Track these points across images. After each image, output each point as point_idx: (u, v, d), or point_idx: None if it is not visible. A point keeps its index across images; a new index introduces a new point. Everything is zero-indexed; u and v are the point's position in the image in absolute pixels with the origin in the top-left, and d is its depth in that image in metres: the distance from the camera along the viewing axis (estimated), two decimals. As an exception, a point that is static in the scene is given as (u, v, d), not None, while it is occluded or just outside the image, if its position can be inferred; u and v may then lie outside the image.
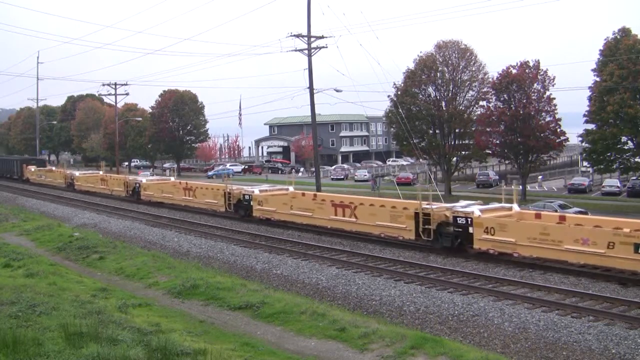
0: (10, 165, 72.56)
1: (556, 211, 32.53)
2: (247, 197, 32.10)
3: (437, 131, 51.71)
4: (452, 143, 51.69)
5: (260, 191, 31.93)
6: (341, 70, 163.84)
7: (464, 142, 52.28)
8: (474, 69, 50.31)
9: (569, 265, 19.52)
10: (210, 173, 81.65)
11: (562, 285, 17.95)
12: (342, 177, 77.35)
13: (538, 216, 21.61)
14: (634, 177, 52.67)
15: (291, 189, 32.14)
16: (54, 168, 66.21)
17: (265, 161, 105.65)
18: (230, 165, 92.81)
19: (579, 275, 18.88)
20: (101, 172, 55.02)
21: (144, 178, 48.11)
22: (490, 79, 48.89)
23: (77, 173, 55.39)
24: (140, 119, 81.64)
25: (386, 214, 24.35)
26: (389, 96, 52.02)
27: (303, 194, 29.94)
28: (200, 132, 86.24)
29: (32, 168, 64.78)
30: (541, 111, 45.77)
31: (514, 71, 46.08)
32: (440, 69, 50.58)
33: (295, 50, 40.43)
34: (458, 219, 21.77)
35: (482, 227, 20.89)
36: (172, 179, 45.91)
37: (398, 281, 18.77)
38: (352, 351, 12.40)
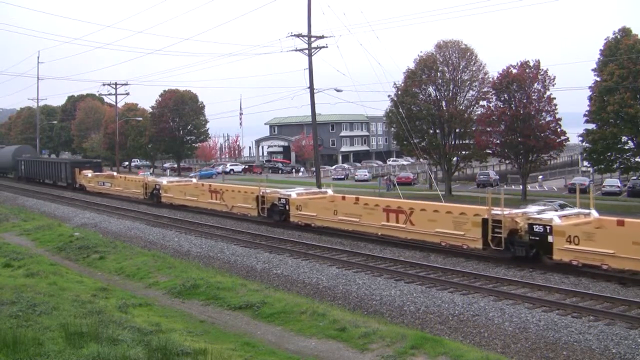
0: (56, 169, 58.06)
1: (556, 210, 32.51)
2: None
3: (437, 131, 51.72)
4: (453, 143, 51.69)
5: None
6: (341, 70, 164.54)
7: (464, 142, 52.29)
8: (474, 68, 50.32)
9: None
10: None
11: (562, 285, 17.95)
12: (343, 177, 77.39)
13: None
14: (634, 177, 52.70)
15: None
16: (115, 174, 54.51)
17: (266, 161, 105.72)
18: (230, 165, 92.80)
19: (579, 275, 18.87)
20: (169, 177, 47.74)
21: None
22: (491, 79, 48.91)
23: (164, 180, 41.87)
24: (140, 118, 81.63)
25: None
26: (389, 96, 52.11)
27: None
28: (201, 132, 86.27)
29: (89, 173, 51.87)
30: (541, 111, 45.76)
31: (514, 71, 46.07)
32: (440, 68, 50.59)
33: (296, 50, 40.47)
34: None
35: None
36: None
37: (398, 281, 18.77)
38: (352, 351, 12.40)
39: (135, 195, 42.47)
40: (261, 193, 31.16)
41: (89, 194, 48.76)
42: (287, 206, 29.50)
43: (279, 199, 30.20)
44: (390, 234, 24.78)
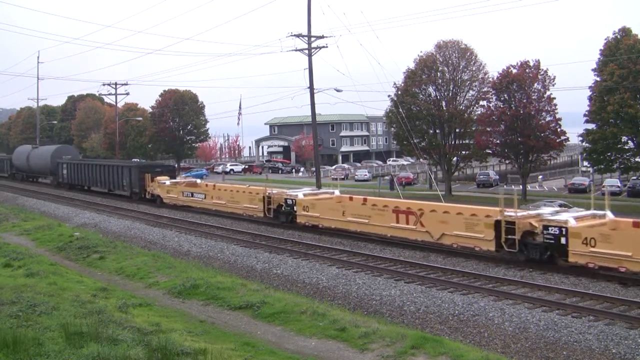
0: (115, 174, 45.93)
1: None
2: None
3: (437, 131, 51.73)
4: (452, 143, 51.70)
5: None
6: (341, 70, 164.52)
7: (464, 141, 52.30)
8: (474, 68, 50.34)
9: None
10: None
11: (562, 285, 17.95)
12: (343, 177, 77.37)
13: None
14: (634, 177, 52.71)
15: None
16: (198, 181, 42.59)
17: (266, 161, 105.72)
18: (230, 165, 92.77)
19: (579, 275, 18.87)
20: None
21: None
22: (491, 79, 48.93)
23: (299, 193, 29.99)
24: (140, 118, 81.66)
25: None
26: (389, 96, 52.12)
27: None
28: (201, 132, 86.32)
29: (165, 180, 40.83)
30: (541, 111, 45.79)
31: (514, 71, 46.10)
32: (440, 68, 50.60)
33: (296, 50, 40.49)
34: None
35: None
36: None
37: (398, 281, 18.77)
38: (352, 351, 12.40)
39: (248, 212, 32.18)
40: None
41: (167, 208, 38.73)
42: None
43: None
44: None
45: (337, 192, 29.78)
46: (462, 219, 21.92)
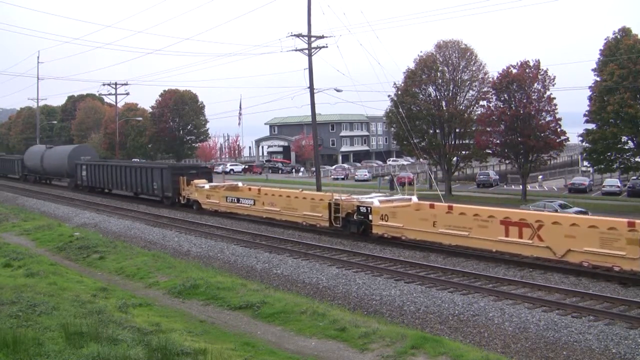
0: (144, 177, 42.12)
1: (556, 211, 32.54)
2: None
3: (437, 131, 51.76)
4: (453, 143, 51.73)
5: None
6: (341, 70, 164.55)
7: (464, 141, 52.34)
8: (474, 68, 50.37)
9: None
10: None
11: (562, 285, 17.96)
12: (343, 177, 77.43)
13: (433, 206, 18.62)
14: (634, 177, 52.72)
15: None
16: (240, 184, 36.91)
17: (266, 161, 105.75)
18: (230, 165, 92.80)
19: (579, 275, 18.88)
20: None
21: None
22: (491, 79, 48.98)
23: (374, 200, 26.93)
24: (140, 118, 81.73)
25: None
26: (389, 96, 52.14)
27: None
28: (201, 132, 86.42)
29: (205, 184, 37.03)
30: (541, 111, 45.80)
31: (514, 71, 46.12)
32: (440, 68, 50.63)
33: (296, 50, 40.49)
34: None
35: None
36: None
37: (398, 281, 18.77)
38: (352, 351, 12.40)
39: (309, 220, 28.67)
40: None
41: (205, 215, 35.20)
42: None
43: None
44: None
45: (414, 199, 26.49)
46: (597, 233, 18.60)
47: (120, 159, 72.00)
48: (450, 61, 50.24)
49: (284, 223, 30.42)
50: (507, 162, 55.25)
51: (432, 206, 24.53)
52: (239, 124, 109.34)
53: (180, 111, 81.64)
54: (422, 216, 23.79)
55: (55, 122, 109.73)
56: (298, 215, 29.22)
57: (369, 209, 25.72)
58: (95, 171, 49.08)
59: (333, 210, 27.07)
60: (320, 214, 27.85)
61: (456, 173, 57.65)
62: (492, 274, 19.52)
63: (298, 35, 39.92)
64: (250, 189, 34.04)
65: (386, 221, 24.80)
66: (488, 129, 48.47)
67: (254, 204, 31.92)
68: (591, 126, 45.20)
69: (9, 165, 71.22)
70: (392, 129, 57.94)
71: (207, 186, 36.50)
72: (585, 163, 67.31)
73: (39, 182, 62.78)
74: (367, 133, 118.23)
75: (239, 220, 32.90)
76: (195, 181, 37.48)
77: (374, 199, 26.75)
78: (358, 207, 26.32)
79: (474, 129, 51.07)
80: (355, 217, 26.36)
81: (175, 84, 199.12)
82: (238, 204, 33.13)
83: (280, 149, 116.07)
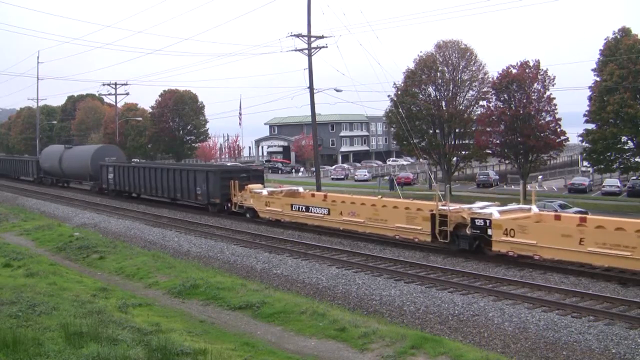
0: (188, 180, 37.10)
1: (556, 211, 32.55)
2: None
3: (437, 131, 51.77)
4: (452, 143, 51.73)
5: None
6: (341, 70, 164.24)
7: (464, 141, 52.35)
8: (474, 68, 50.39)
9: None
10: None
11: (562, 285, 17.96)
12: (342, 177, 77.46)
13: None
14: (634, 177, 52.73)
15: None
16: (300, 189, 33.58)
17: (266, 161, 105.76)
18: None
19: (579, 275, 18.88)
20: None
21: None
22: (491, 79, 48.98)
23: (493, 212, 22.46)
24: (140, 118, 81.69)
25: None
26: (389, 96, 52.15)
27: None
28: (201, 132, 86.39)
29: (261, 189, 32.66)
30: (541, 111, 45.79)
31: (514, 71, 46.11)
32: (440, 68, 50.65)
33: (295, 50, 40.48)
34: None
35: None
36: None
37: (398, 281, 18.78)
38: (352, 351, 12.40)
39: (404, 234, 24.25)
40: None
41: (269, 226, 30.70)
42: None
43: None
44: None
45: (535, 209, 23.29)
46: None
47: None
48: (450, 61, 50.26)
49: (368, 236, 26.07)
50: (507, 162, 55.25)
51: (557, 217, 21.63)
52: (240, 124, 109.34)
53: (180, 111, 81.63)
54: (565, 232, 19.61)
55: (55, 122, 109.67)
56: (389, 228, 24.66)
57: (487, 222, 21.54)
58: (125, 174, 44.24)
59: (438, 222, 22.67)
60: (419, 227, 23.35)
61: (456, 173, 57.65)
62: (492, 274, 19.51)
63: (298, 35, 39.92)
64: (325, 196, 30.37)
65: (512, 237, 20.60)
66: (488, 129, 48.47)
67: (329, 214, 27.42)
68: (591, 126, 45.21)
69: (23, 166, 66.95)
70: (392, 129, 58.01)
71: (265, 192, 31.94)
72: (585, 163, 67.35)
73: (55, 184, 58.70)
74: (367, 133, 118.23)
75: (240, 221, 32.60)
76: (250, 186, 32.89)
77: (492, 210, 22.53)
78: (473, 219, 21.99)
79: (473, 129, 51.07)
80: (468, 232, 22.10)
81: (175, 84, 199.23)
82: (307, 213, 28.43)
83: (280, 149, 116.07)
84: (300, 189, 33.41)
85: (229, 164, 64.44)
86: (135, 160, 78.34)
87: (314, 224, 28.53)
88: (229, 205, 34.08)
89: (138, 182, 42.66)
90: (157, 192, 40.75)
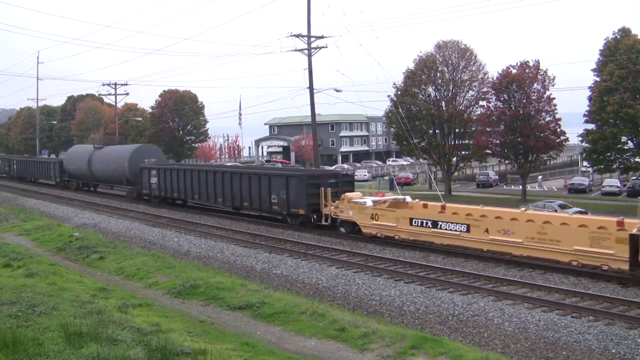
0: (259, 186, 30.91)
1: (556, 211, 32.52)
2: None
3: (437, 131, 51.77)
4: (452, 143, 51.74)
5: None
6: (341, 70, 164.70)
7: (464, 142, 52.36)
8: (474, 68, 50.39)
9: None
10: None
11: (562, 285, 17.95)
12: (342, 177, 77.09)
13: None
14: (634, 177, 52.75)
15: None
16: (408, 199, 26.94)
17: (265, 161, 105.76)
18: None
19: (579, 276, 18.87)
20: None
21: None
22: (490, 79, 48.99)
23: None
24: (140, 118, 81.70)
25: None
26: (389, 96, 52.13)
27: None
28: (200, 132, 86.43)
29: (364, 199, 26.37)
30: (541, 111, 45.81)
31: (514, 71, 46.12)
32: (440, 68, 50.65)
33: (295, 50, 40.53)
34: None
35: None
36: (409, 199, 26.94)
37: (398, 281, 18.77)
38: (352, 351, 12.40)
39: (585, 259, 18.48)
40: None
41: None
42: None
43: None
44: None
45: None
46: None
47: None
48: (450, 61, 50.26)
49: (527, 260, 20.35)
50: (506, 162, 55.26)
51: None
52: (240, 124, 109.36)
53: (180, 111, 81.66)
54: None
55: (55, 122, 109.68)
56: (563, 251, 18.85)
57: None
58: (173, 177, 38.03)
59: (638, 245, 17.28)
60: (611, 251, 17.63)
61: (456, 173, 57.66)
62: (492, 274, 19.49)
63: (298, 36, 39.96)
64: (443, 207, 24.15)
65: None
66: (488, 129, 48.48)
67: (468, 231, 21.42)
68: (591, 126, 45.24)
69: (44, 169, 60.01)
70: (392, 129, 57.96)
71: (369, 201, 25.78)
72: (585, 163, 67.38)
73: (81, 188, 52.47)
74: (366, 133, 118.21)
75: (239, 221, 32.42)
76: (349, 194, 26.73)
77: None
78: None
79: (473, 129, 51.09)
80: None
81: (175, 84, 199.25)
82: (435, 230, 22.50)
83: (280, 149, 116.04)
84: (408, 198, 26.86)
85: (277, 166, 59.20)
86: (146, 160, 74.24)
87: (446, 243, 22.60)
88: (316, 216, 28.05)
89: (190, 188, 36.46)
90: (215, 199, 34.57)
